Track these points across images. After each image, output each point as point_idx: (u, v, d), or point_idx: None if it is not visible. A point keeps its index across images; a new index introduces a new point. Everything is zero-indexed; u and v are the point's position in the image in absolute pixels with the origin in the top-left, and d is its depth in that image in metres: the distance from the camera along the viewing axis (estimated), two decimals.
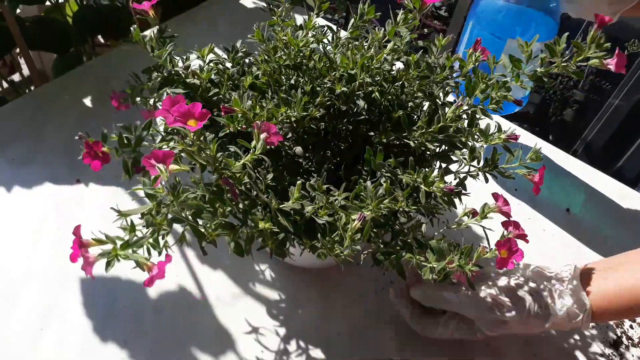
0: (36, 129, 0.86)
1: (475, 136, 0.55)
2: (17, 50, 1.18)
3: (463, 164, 0.55)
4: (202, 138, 0.45)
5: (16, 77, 1.47)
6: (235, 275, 0.70)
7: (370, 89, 0.57)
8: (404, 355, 0.65)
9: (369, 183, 0.50)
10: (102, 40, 1.58)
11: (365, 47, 0.59)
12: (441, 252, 0.49)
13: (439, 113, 0.54)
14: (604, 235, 0.82)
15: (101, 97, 0.93)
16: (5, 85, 1.30)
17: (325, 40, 0.61)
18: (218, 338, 0.64)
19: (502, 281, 0.59)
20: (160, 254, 0.46)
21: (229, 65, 0.63)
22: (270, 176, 0.50)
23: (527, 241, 0.51)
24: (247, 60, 0.63)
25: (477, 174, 0.56)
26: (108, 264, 0.43)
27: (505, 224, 0.51)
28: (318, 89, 0.57)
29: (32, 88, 1.29)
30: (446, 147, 0.58)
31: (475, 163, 0.55)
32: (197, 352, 0.62)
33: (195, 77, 0.58)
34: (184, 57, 0.58)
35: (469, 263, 0.47)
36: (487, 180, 0.58)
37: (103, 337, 0.63)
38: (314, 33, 0.61)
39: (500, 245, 0.48)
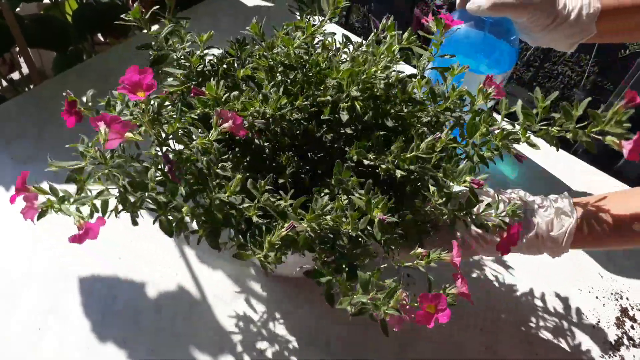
0: (36, 127, 0.86)
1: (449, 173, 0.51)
2: (17, 48, 1.18)
3: (431, 203, 0.51)
4: (151, 107, 0.45)
5: (15, 75, 1.47)
6: (235, 274, 0.70)
7: (356, 103, 0.55)
8: (404, 357, 0.65)
9: (321, 197, 0.48)
10: (101, 39, 1.58)
11: (363, 59, 0.57)
12: (366, 286, 0.45)
13: (414, 143, 0.51)
14: None
15: (100, 95, 0.93)
16: (4, 83, 1.30)
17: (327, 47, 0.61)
18: (217, 337, 0.64)
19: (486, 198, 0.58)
20: (92, 216, 0.46)
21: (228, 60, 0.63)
22: (223, 165, 0.50)
23: (472, 303, 0.47)
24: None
25: (445, 219, 0.52)
26: (41, 215, 0.45)
27: (454, 275, 0.47)
28: (309, 92, 0.56)
29: (32, 86, 1.29)
30: (417, 181, 0.54)
31: (448, 203, 0.51)
32: (196, 351, 0.62)
33: (187, 62, 0.58)
34: (181, 40, 0.59)
35: (388, 305, 0.43)
36: (453, 227, 0.55)
37: (103, 337, 0.63)
38: (321, 38, 0.60)
39: (427, 299, 0.43)
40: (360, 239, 0.50)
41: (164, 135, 0.48)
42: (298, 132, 0.58)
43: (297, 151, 0.58)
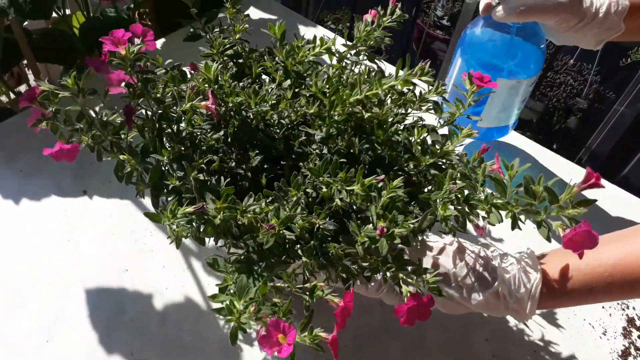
0: (43, 141, 0.87)
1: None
2: (24, 61, 1.19)
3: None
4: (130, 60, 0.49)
5: (23, 88, 1.48)
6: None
7: (333, 125, 0.55)
8: None
9: (262, 198, 0.48)
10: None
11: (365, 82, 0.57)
12: (241, 291, 0.44)
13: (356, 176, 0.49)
14: None
15: (107, 108, 0.94)
16: (12, 96, 1.31)
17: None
18: (224, 348, 0.64)
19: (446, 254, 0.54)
20: (68, 141, 0.51)
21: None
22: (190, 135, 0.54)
23: (335, 356, 0.46)
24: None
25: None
26: (35, 123, 0.51)
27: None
28: (300, 101, 0.58)
29: None
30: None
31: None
32: None
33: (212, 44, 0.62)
34: (214, 26, 0.63)
35: (242, 315, 0.43)
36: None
37: (109, 348, 0.63)
38: (339, 56, 0.62)
39: (277, 328, 0.41)
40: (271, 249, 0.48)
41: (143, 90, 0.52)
42: (277, 135, 0.58)
43: (267, 152, 0.58)
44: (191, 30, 0.63)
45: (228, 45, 0.62)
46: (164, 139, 0.53)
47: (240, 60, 0.64)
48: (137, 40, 0.51)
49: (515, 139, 0.95)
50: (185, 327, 0.66)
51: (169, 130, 0.54)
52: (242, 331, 0.43)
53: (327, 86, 0.56)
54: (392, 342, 0.67)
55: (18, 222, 0.76)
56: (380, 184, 0.48)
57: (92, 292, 0.68)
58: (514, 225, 0.45)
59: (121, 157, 0.50)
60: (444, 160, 0.55)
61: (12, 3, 0.88)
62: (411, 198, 0.52)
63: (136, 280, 0.70)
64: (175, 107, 0.53)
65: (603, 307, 0.73)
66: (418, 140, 0.56)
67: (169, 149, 0.51)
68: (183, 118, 0.54)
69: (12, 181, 0.80)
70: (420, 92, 0.57)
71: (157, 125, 0.53)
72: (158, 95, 0.53)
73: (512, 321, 0.70)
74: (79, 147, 0.50)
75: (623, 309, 0.73)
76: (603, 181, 0.79)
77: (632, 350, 0.68)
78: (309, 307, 0.46)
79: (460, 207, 0.48)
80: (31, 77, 1.24)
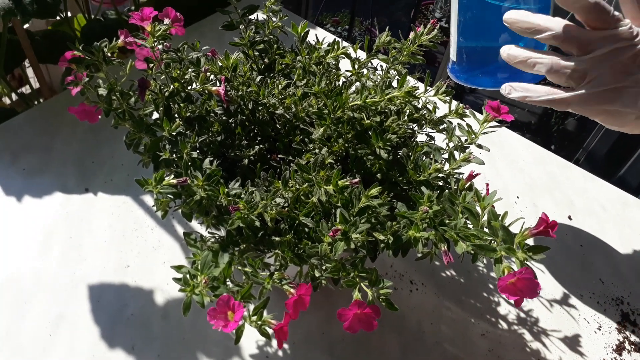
0: (46, 140, 0.88)
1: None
2: (25, 63, 1.20)
3: None
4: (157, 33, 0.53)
5: (25, 89, 1.49)
6: (241, 280, 0.71)
7: (326, 126, 0.56)
8: None
9: (248, 184, 0.51)
10: (109, 54, 1.60)
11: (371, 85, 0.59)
12: (203, 267, 0.48)
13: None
14: (607, 243, 0.82)
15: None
16: (15, 97, 1.32)
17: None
18: (225, 343, 0.65)
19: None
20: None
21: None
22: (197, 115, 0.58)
23: (279, 346, 0.47)
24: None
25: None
26: (70, 83, 0.54)
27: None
28: (308, 100, 0.59)
29: (41, 100, 1.32)
30: None
31: None
32: (204, 357, 0.63)
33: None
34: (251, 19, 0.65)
35: (196, 286, 0.46)
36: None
37: (111, 344, 0.64)
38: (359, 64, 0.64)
39: (226, 305, 0.44)
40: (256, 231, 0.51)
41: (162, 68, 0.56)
42: (282, 129, 0.60)
43: (270, 144, 0.60)
44: (228, 19, 0.65)
45: (258, 39, 0.65)
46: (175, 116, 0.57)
47: (268, 56, 0.67)
48: (166, 21, 0.54)
49: (513, 140, 0.97)
50: (186, 322, 0.67)
51: (177, 107, 0.56)
52: (199, 305, 0.45)
53: (331, 87, 0.57)
54: (391, 335, 0.67)
55: (21, 220, 0.77)
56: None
57: (95, 288, 0.69)
58: (475, 258, 0.44)
59: (127, 125, 0.54)
60: (440, 182, 0.55)
61: (17, 4, 0.89)
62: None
63: (138, 276, 0.71)
64: (189, 88, 0.56)
65: (598, 303, 0.74)
66: (413, 157, 0.56)
67: (171, 125, 0.53)
68: (195, 99, 0.58)
69: (16, 180, 0.81)
70: (435, 110, 0.59)
71: (166, 102, 0.56)
72: (175, 74, 0.56)
73: (508, 317, 0.71)
74: (101, 111, 0.53)
75: (617, 304, 0.74)
76: (601, 181, 0.77)
77: (627, 345, 0.69)
78: (264, 292, 0.48)
79: (434, 231, 0.48)
80: (33, 78, 1.25)
